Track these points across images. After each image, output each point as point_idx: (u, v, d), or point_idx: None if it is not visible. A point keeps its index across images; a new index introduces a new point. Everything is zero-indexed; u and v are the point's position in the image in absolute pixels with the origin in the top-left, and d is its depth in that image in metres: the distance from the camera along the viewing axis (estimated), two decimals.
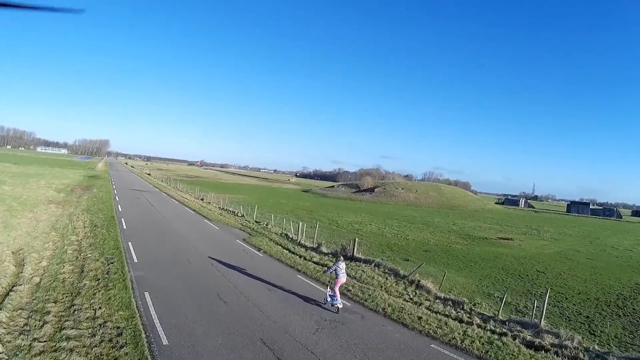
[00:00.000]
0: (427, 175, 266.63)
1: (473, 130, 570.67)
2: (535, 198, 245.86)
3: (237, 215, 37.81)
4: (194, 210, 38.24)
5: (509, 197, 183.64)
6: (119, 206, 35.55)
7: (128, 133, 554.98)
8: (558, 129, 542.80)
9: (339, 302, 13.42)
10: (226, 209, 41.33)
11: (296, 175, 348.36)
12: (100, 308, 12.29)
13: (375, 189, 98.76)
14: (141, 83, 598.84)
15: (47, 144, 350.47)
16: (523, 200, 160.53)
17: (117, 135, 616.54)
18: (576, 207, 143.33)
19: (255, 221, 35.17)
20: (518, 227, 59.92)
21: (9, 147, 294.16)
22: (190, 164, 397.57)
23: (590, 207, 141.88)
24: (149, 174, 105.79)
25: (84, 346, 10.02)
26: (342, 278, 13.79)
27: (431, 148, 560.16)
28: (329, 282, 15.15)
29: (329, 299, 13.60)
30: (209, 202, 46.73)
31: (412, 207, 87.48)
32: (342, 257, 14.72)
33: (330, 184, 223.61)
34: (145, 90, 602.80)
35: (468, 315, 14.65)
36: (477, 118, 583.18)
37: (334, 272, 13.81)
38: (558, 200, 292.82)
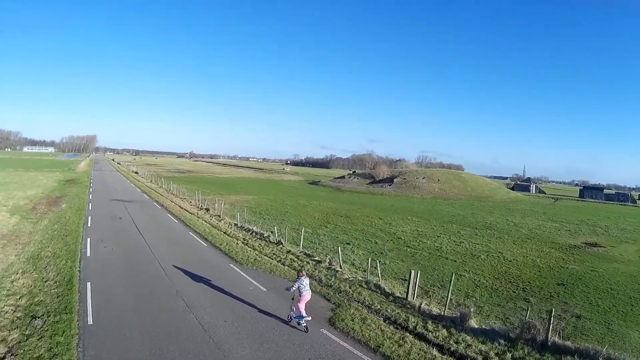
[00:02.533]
0: (420, 159, 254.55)
1: (459, 113, 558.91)
2: (529, 180, 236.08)
3: (270, 242, 24.38)
4: (206, 239, 24.47)
5: (518, 182, 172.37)
6: (89, 242, 21.69)
7: (115, 128, 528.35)
8: (544, 109, 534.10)
9: (306, 318, 12.08)
10: (249, 230, 27.74)
11: (287, 163, 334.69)
12: None
13: (395, 180, 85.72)
14: (127, 76, 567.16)
15: (33, 143, 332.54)
16: (534, 186, 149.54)
17: (104, 130, 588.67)
18: (590, 192, 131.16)
19: (305, 253, 21.89)
20: (573, 223, 48.79)
21: None
22: (180, 156, 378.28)
23: (604, 192, 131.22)
24: (136, 172, 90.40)
25: None
26: (307, 296, 12.27)
27: (418, 131, 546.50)
28: (292, 298, 12.40)
29: (294, 316, 12.27)
30: (219, 216, 32.98)
31: (441, 199, 75.03)
32: (304, 273, 12.92)
33: (325, 171, 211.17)
34: (131, 84, 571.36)
35: None
36: (463, 100, 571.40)
37: (297, 290, 12.17)
38: (550, 182, 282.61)
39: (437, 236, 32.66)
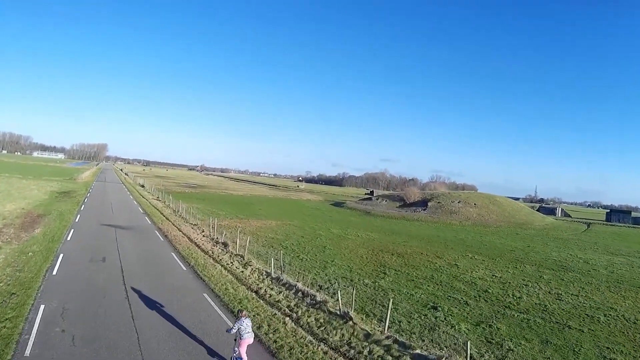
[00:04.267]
0: (434, 179, 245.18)
1: (471, 132, 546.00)
2: (542, 201, 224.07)
3: (331, 312, 15.28)
4: (233, 313, 15.40)
5: (543, 205, 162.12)
6: (40, 316, 13.04)
7: (127, 137, 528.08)
8: (555, 130, 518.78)
9: None
10: (292, 287, 18.66)
11: (299, 180, 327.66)
12: None
13: (429, 203, 76.39)
14: (141, 87, 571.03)
15: (44, 148, 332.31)
16: (560, 209, 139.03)
17: (116, 139, 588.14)
18: (617, 215, 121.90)
19: (397, 341, 13.01)
20: (634, 256, 42.43)
21: (4, 151, 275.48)
22: (191, 169, 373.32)
23: (632, 215, 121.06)
24: (142, 186, 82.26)
25: None
26: (249, 339, 11.16)
27: (429, 150, 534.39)
28: (235, 339, 11.17)
29: (235, 358, 11.09)
30: (243, 257, 23.95)
31: (481, 227, 66.26)
32: (246, 313, 11.74)
33: (340, 189, 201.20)
34: (145, 95, 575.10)
35: None
36: (475, 120, 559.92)
37: (237, 331, 11.03)
38: (562, 203, 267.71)
39: (525, 285, 25.13)
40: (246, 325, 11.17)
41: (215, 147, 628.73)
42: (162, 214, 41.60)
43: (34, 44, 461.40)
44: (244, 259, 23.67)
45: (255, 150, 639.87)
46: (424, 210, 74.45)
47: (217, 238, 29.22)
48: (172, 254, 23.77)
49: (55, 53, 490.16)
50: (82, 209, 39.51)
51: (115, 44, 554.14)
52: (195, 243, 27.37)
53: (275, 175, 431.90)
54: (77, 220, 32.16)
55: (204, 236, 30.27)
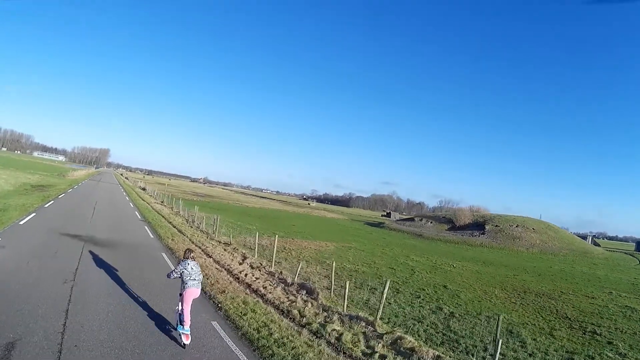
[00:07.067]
0: (442, 203, 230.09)
1: (471, 159, 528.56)
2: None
3: None
4: None
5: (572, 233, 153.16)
6: None
7: (131, 145, 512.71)
8: (552, 157, 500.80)
9: (186, 332, 7.12)
10: None
11: (304, 198, 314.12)
12: None
13: (485, 227, 64.12)
14: (146, 95, 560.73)
15: (45, 149, 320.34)
16: (590, 238, 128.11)
17: (119, 147, 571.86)
18: None
19: None
20: None
21: (4, 149, 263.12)
22: (193, 180, 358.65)
23: None
24: (143, 189, 67.98)
25: None
26: (194, 289, 7.49)
27: (430, 175, 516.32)
28: (180, 294, 7.55)
29: (177, 318, 7.40)
30: (373, 326, 9.74)
31: (550, 254, 55.10)
32: (192, 253, 8.01)
33: (350, 210, 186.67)
34: (151, 104, 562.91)
35: None
36: (476, 146, 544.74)
37: (178, 276, 7.57)
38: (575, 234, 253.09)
39: None
40: (191, 269, 7.55)
41: (219, 162, 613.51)
42: (170, 223, 27.22)
43: (42, 45, 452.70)
44: (379, 334, 9.44)
45: (258, 167, 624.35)
46: (482, 234, 61.91)
47: (282, 274, 14.95)
48: (216, 325, 8.88)
49: (65, 56, 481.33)
50: (46, 205, 25.18)
51: (126, 54, 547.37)
52: (248, 284, 13.04)
53: (278, 192, 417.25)
54: (23, 222, 17.76)
55: (252, 267, 15.95)
